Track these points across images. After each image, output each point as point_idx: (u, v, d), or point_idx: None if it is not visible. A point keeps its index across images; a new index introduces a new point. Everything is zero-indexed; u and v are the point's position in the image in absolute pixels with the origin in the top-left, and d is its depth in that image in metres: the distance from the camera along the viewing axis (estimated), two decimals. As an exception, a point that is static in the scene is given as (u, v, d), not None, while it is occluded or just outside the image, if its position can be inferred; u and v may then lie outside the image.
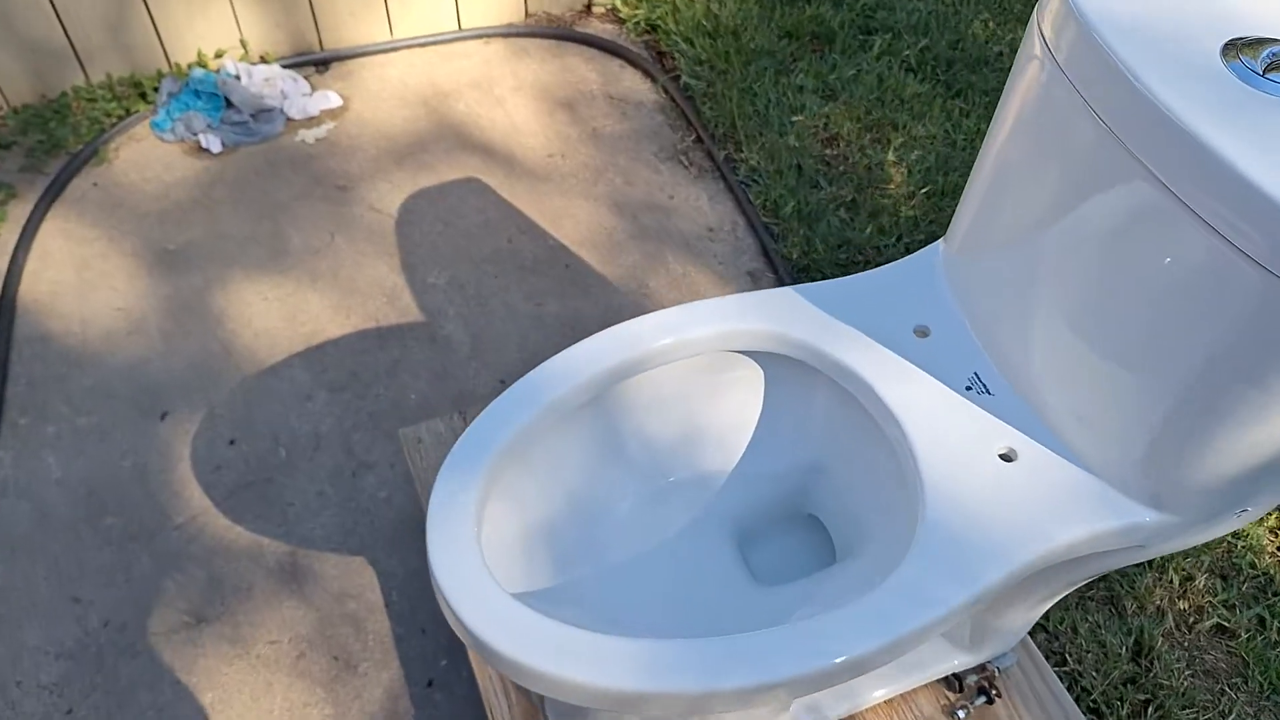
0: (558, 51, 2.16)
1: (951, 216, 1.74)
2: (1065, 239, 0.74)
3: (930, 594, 0.71)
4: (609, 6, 2.25)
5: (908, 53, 2.08)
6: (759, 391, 0.96)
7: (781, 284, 1.71)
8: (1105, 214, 0.69)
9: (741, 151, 1.92)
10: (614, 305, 1.68)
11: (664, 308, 1.65)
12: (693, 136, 1.97)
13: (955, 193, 1.81)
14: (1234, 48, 0.65)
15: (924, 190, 1.82)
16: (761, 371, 0.94)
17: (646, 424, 0.93)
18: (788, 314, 0.90)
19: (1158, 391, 0.69)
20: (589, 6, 2.25)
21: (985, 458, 0.80)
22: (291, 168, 1.88)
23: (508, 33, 2.17)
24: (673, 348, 0.88)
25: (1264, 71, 0.63)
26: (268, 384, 1.55)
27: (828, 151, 1.91)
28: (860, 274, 0.93)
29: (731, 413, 0.96)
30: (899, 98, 2.00)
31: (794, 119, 1.95)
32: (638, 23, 2.20)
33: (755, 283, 1.72)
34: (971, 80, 2.03)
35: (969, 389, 0.84)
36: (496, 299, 1.69)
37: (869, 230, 1.76)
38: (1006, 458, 0.80)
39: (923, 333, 0.88)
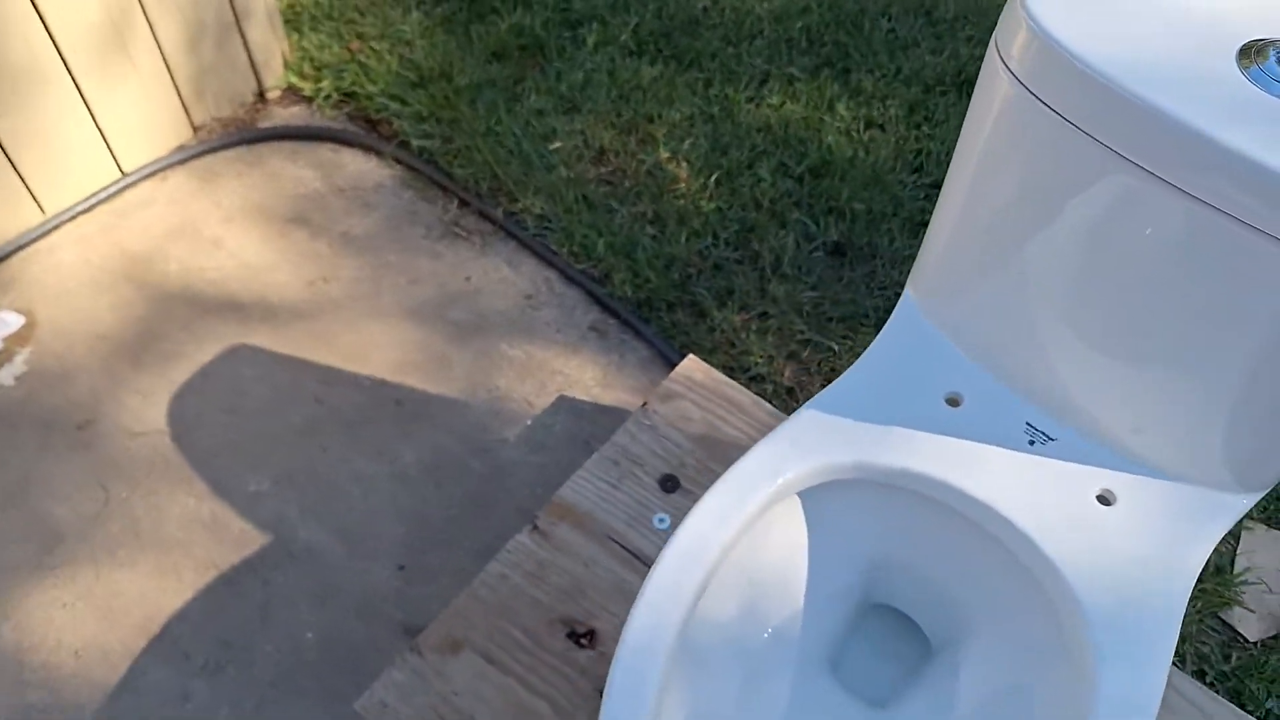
0: (253, 159, 1.85)
1: (749, 194, 1.71)
2: (1087, 268, 0.70)
3: (1142, 699, 0.67)
4: (284, 87, 1.95)
5: (623, 37, 2.00)
6: (800, 520, 0.86)
7: (630, 327, 1.60)
8: (1132, 238, 0.66)
9: (518, 201, 1.76)
10: (473, 422, 1.49)
11: (525, 401, 1.50)
12: (456, 203, 1.78)
13: (742, 170, 1.78)
14: (1248, 54, 0.62)
15: (713, 178, 1.77)
16: (798, 499, 0.85)
17: (715, 610, 0.81)
18: (820, 440, 0.80)
19: (1220, 384, 0.68)
20: (261, 94, 1.94)
21: (1090, 511, 0.76)
22: (5, 427, 1.47)
23: (183, 158, 1.82)
24: (739, 533, 0.76)
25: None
26: (127, 706, 1.22)
27: (602, 170, 1.80)
28: (857, 364, 0.85)
29: (780, 553, 0.86)
30: (638, 88, 1.92)
31: (551, 147, 1.81)
32: (328, 95, 1.92)
33: (602, 337, 1.60)
34: (695, 46, 1.99)
35: (1032, 443, 0.80)
36: (340, 474, 1.44)
37: (684, 238, 1.69)
38: (1105, 500, 0.77)
39: (955, 401, 0.83)
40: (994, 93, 0.70)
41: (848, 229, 1.70)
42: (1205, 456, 0.74)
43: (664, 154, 1.81)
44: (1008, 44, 0.67)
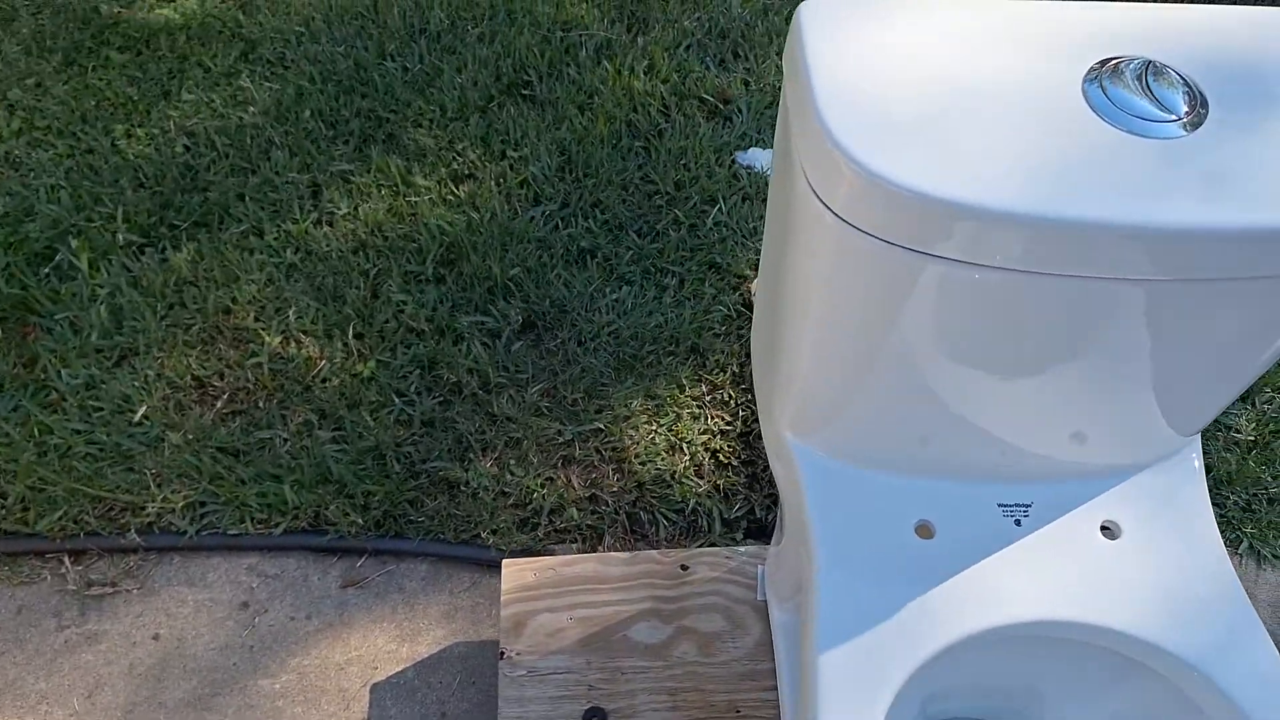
0: None
1: (400, 326, 1.44)
2: (981, 354, 0.61)
3: None
4: None
5: (120, 237, 1.55)
6: None
7: (386, 555, 1.30)
8: (1015, 318, 0.58)
9: (144, 509, 1.32)
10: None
11: None
12: (69, 559, 1.30)
13: (371, 305, 1.49)
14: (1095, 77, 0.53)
15: (348, 333, 1.46)
16: None
17: None
18: (864, 676, 0.64)
19: (1172, 393, 0.64)
20: None
21: (1110, 558, 0.69)
22: None
23: None
24: None
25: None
26: None
27: (218, 403, 1.41)
28: (820, 570, 0.69)
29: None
30: (179, 285, 1.51)
31: (136, 419, 1.38)
32: None
33: (364, 589, 1.28)
34: (210, 201, 1.61)
35: (1019, 524, 0.70)
36: None
37: (371, 418, 1.38)
38: (1111, 534, 0.70)
39: (926, 530, 0.71)
40: (822, 235, 0.57)
41: (523, 302, 1.51)
42: (1151, 437, 0.69)
43: (273, 340, 1.45)
44: (830, 191, 0.54)
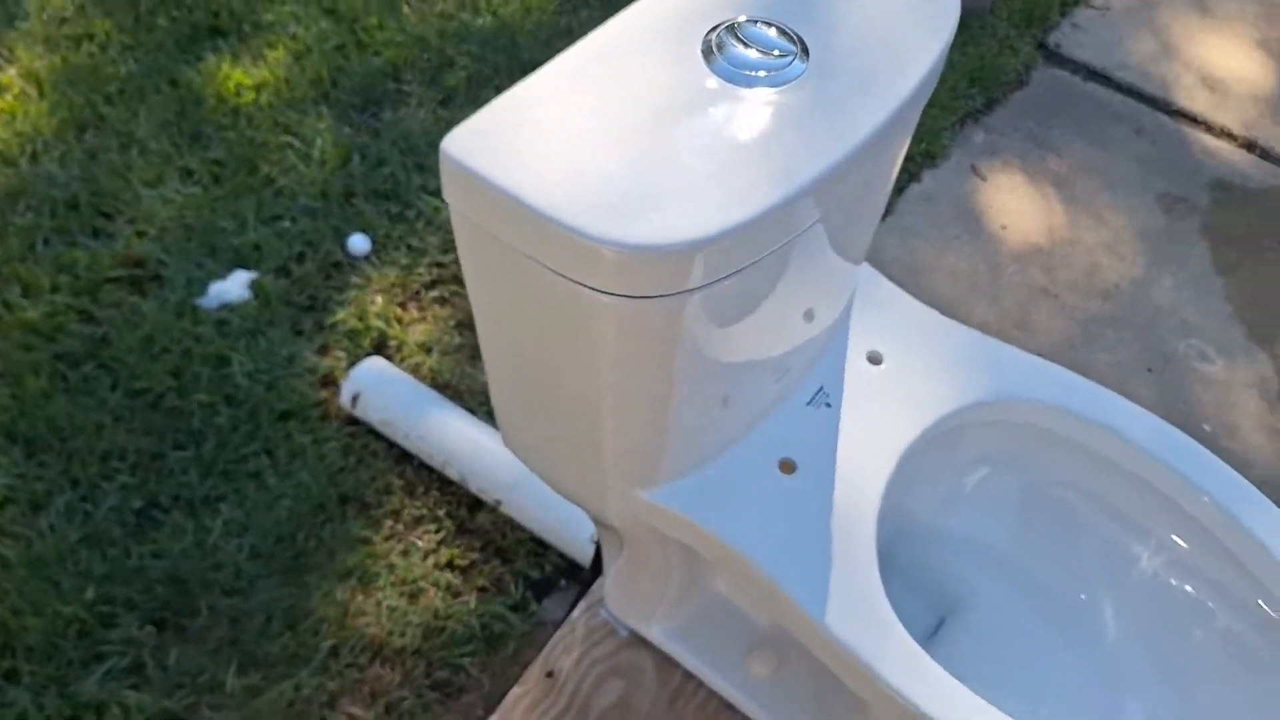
0: None
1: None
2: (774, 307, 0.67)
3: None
4: None
5: None
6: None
7: None
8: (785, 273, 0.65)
9: None
10: None
11: None
12: None
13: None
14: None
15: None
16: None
17: None
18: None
19: (855, 249, 0.77)
20: None
21: (898, 366, 0.81)
22: None
23: None
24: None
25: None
26: None
27: None
28: (734, 542, 0.70)
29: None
30: None
31: None
32: None
33: None
34: None
35: (829, 405, 0.79)
36: None
37: None
38: (876, 359, 0.82)
39: (789, 465, 0.76)
40: (600, 319, 0.56)
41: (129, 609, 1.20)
42: (851, 285, 0.81)
43: None
44: (601, 277, 0.53)
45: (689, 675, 1.05)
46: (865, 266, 0.86)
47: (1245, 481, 0.77)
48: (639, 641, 1.07)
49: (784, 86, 0.60)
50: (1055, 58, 2.16)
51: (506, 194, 0.54)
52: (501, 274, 0.61)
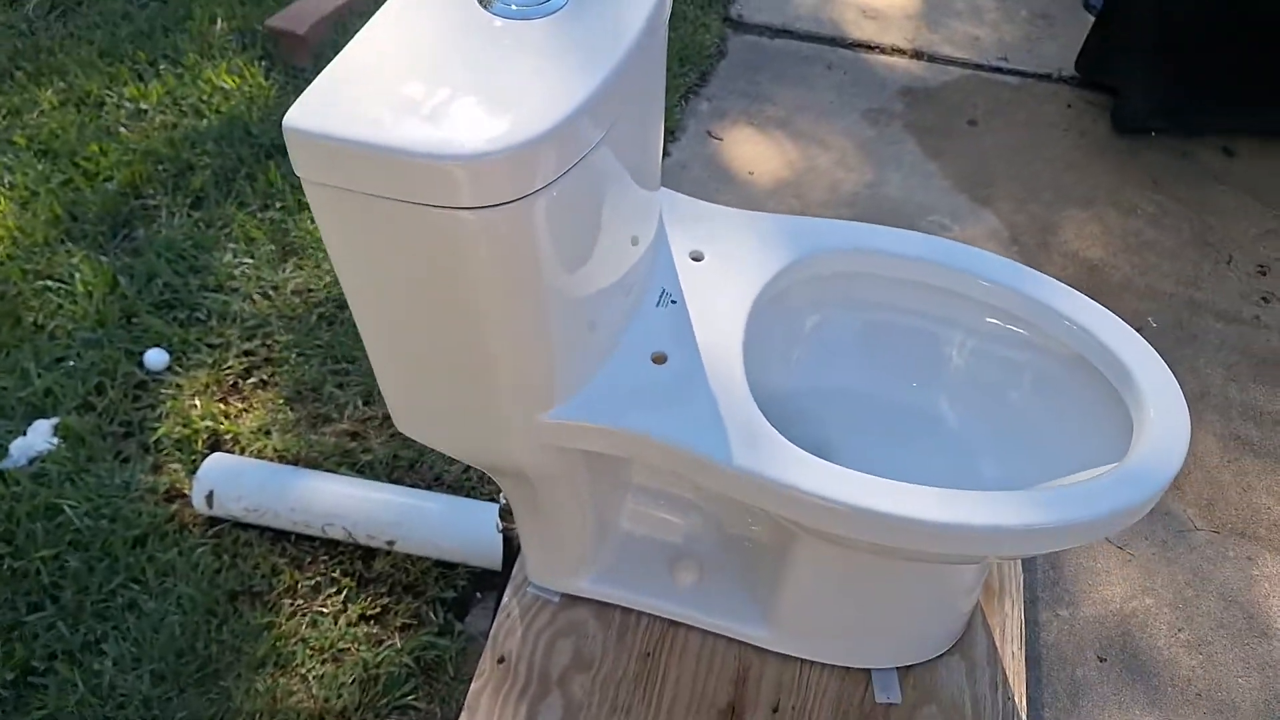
0: None
1: None
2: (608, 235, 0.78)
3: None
4: None
5: None
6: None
7: None
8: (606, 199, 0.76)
9: None
10: None
11: None
12: None
13: None
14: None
15: None
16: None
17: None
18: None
19: (653, 164, 0.89)
20: None
21: (720, 256, 0.94)
22: None
23: None
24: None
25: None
26: None
27: None
28: (647, 427, 0.79)
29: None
30: None
31: None
32: None
33: None
34: None
35: (674, 301, 0.90)
36: None
37: None
38: (698, 256, 0.95)
39: (659, 357, 0.86)
40: (468, 239, 0.64)
41: None
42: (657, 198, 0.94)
43: None
44: (472, 192, 0.61)
45: (627, 610, 1.12)
46: (665, 190, 0.99)
47: (1008, 260, 0.96)
48: (572, 600, 1.13)
49: (554, 16, 0.71)
50: (741, 26, 2.44)
51: (359, 144, 0.61)
52: (367, 232, 0.67)
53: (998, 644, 1.12)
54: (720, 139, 2.11)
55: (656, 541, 1.15)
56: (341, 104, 0.63)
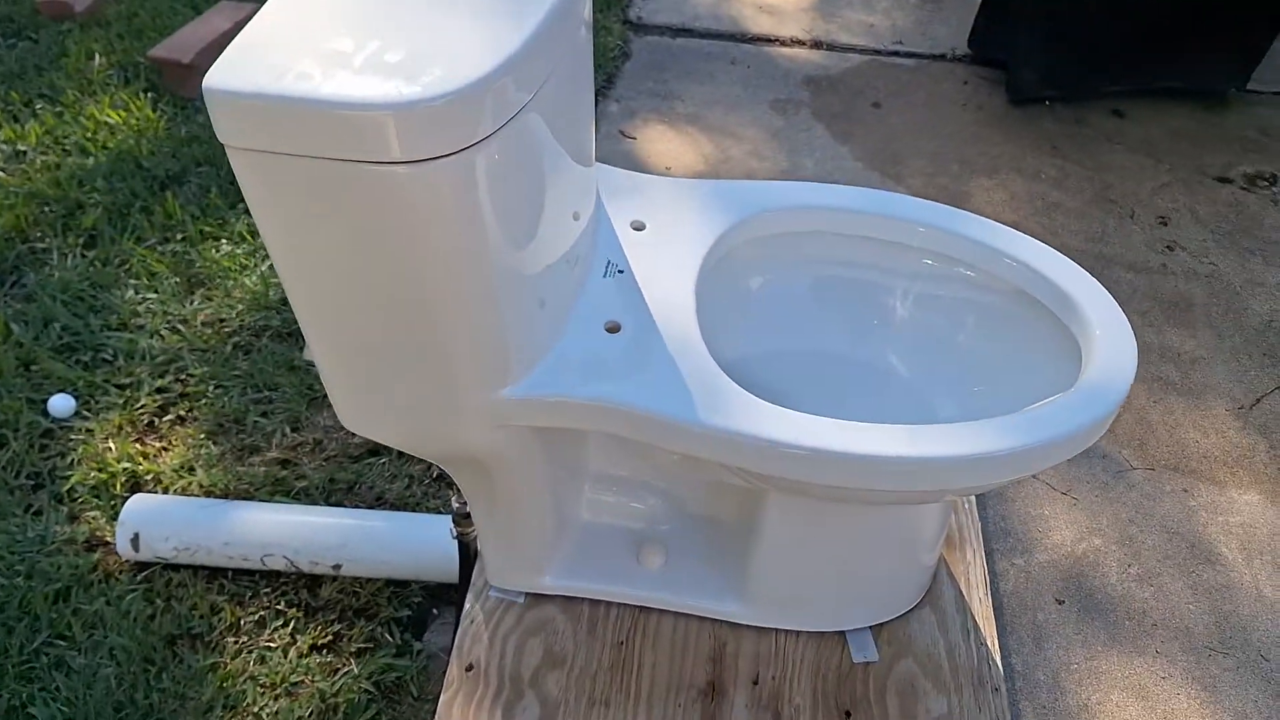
0: None
1: None
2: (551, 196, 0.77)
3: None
4: None
5: None
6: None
7: None
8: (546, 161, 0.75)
9: None
10: None
11: None
12: None
13: None
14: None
15: None
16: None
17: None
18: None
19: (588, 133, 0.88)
20: None
21: (662, 226, 0.93)
22: None
23: None
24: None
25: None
26: None
27: None
28: (615, 396, 0.77)
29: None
30: None
31: None
32: None
33: None
34: None
35: (621, 272, 0.89)
36: None
37: None
38: (639, 226, 0.94)
39: (613, 325, 0.85)
40: (401, 197, 0.62)
41: None
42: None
43: None
44: (403, 144, 0.59)
45: (595, 602, 1.10)
46: (599, 165, 0.98)
47: (943, 205, 0.98)
48: (537, 599, 1.10)
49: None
50: (642, 28, 2.46)
51: (287, 99, 0.57)
52: (299, 200, 0.64)
53: (964, 592, 1.13)
54: (634, 138, 2.12)
55: (619, 529, 1.13)
56: (264, 62, 0.60)
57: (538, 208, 0.75)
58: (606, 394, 0.80)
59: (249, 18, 2.33)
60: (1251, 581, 1.37)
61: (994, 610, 1.28)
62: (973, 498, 1.23)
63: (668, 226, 0.94)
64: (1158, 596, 1.36)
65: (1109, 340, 0.86)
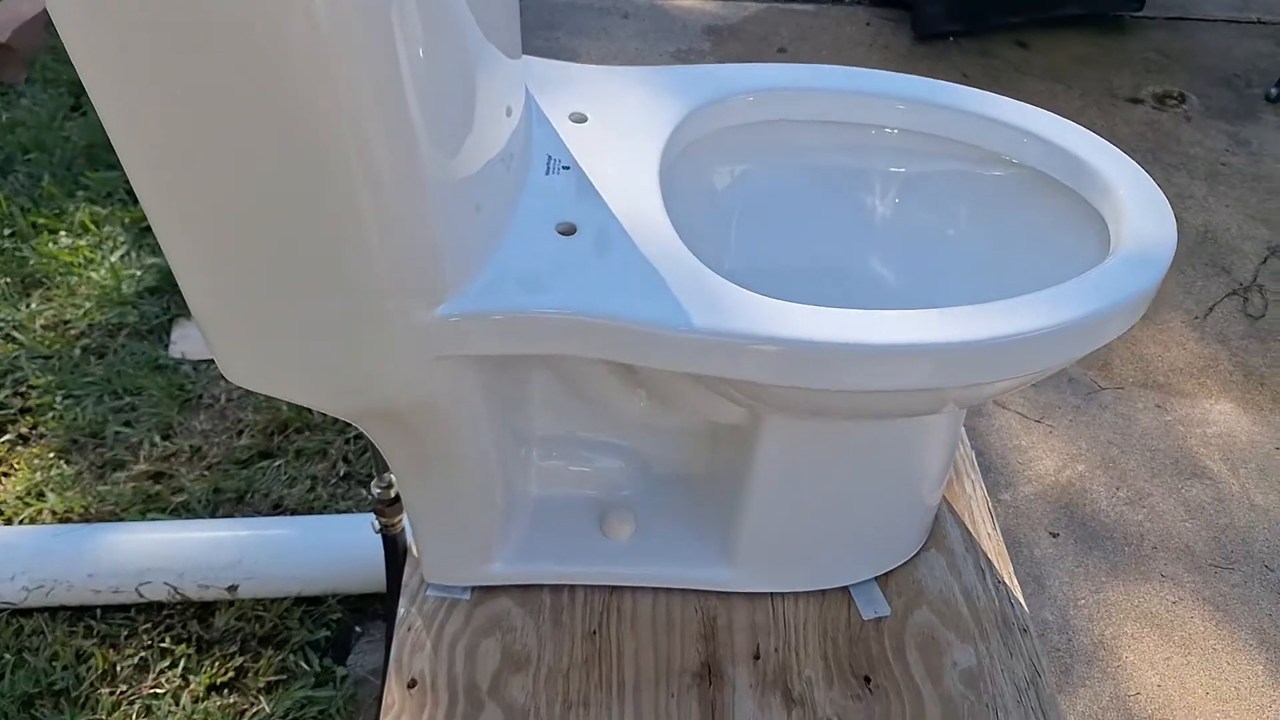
0: None
1: None
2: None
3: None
4: None
5: None
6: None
7: None
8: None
9: None
10: None
11: None
12: None
13: None
14: None
15: None
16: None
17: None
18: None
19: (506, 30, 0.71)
20: None
21: (604, 118, 0.78)
22: None
23: None
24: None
25: None
26: None
27: None
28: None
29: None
30: None
31: None
32: None
33: None
34: None
35: (567, 167, 0.73)
36: None
37: None
38: (580, 118, 0.79)
39: (567, 228, 0.69)
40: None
41: None
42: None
43: None
44: None
45: (557, 589, 0.92)
46: (527, 58, 0.81)
47: (918, 77, 0.85)
48: (487, 592, 0.92)
49: None
50: (523, -14, 2.30)
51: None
52: (158, 66, 0.45)
53: (970, 528, 1.01)
54: (527, 97, 1.95)
55: (576, 499, 0.96)
56: None
57: (462, 82, 0.59)
58: (568, 303, 0.63)
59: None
60: (1241, 491, 1.30)
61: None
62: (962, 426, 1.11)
63: (614, 118, 0.78)
64: (1151, 518, 1.27)
65: (1141, 203, 0.74)
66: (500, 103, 0.66)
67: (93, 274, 1.48)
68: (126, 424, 1.28)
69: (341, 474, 1.24)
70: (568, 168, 0.73)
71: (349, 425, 1.27)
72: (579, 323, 0.63)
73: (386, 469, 0.91)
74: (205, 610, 1.08)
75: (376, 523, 0.96)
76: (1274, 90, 2.09)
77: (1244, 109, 2.04)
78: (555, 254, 0.66)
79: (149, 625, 1.06)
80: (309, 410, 1.30)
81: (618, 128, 0.78)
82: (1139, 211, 0.74)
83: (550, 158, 0.74)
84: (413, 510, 0.85)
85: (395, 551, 0.97)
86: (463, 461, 0.78)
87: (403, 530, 0.96)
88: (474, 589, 0.93)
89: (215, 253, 0.56)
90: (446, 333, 0.62)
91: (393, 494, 0.92)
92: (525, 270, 0.65)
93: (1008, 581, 0.97)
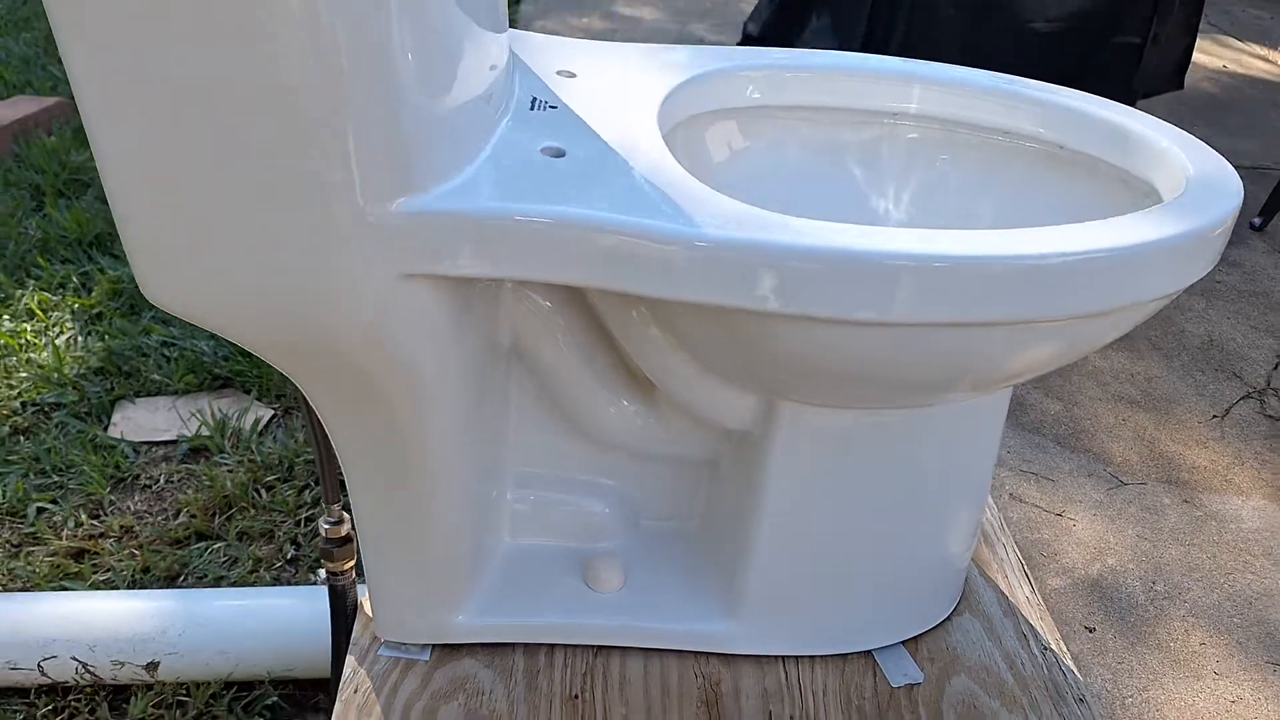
0: None
1: None
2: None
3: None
4: None
5: None
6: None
7: None
8: None
9: None
10: None
11: None
12: None
13: None
14: None
15: None
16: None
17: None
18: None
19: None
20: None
21: (595, 72, 0.76)
22: None
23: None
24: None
25: None
26: None
27: None
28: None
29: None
30: None
31: None
32: None
33: None
34: None
35: (552, 107, 0.70)
36: None
37: None
38: (570, 73, 0.77)
39: (553, 149, 0.64)
40: None
41: None
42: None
43: None
44: None
45: (532, 648, 0.81)
46: (514, 31, 0.80)
47: (905, 57, 0.85)
48: (449, 651, 0.80)
49: None
50: None
51: None
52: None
53: (1006, 592, 0.91)
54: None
55: (555, 548, 0.86)
56: None
57: (446, 30, 0.57)
58: (552, 210, 0.57)
59: (41, 111, 2.11)
60: (1290, 585, 1.22)
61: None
62: (990, 499, 1.03)
63: (601, 78, 0.76)
64: (1195, 612, 1.18)
65: (1190, 148, 0.72)
66: (484, 59, 0.64)
67: (33, 355, 1.41)
68: (52, 501, 1.17)
69: (289, 556, 1.13)
70: (554, 107, 0.70)
71: (299, 506, 1.17)
72: (564, 233, 0.57)
73: (336, 499, 0.82)
74: (118, 693, 0.94)
75: (321, 574, 0.85)
76: (1257, 220, 2.16)
77: (1232, 236, 2.09)
78: (541, 170, 0.62)
79: (48, 710, 0.92)
80: (256, 489, 1.20)
81: (609, 86, 0.75)
82: (1194, 155, 0.72)
83: (536, 99, 0.71)
84: (368, 537, 0.76)
85: (343, 607, 0.86)
86: (428, 455, 0.69)
87: (353, 582, 0.86)
88: (435, 648, 0.82)
89: (144, 124, 0.50)
90: (410, 233, 0.56)
91: (343, 531, 0.83)
92: (507, 173, 0.60)
93: (1055, 648, 0.87)
